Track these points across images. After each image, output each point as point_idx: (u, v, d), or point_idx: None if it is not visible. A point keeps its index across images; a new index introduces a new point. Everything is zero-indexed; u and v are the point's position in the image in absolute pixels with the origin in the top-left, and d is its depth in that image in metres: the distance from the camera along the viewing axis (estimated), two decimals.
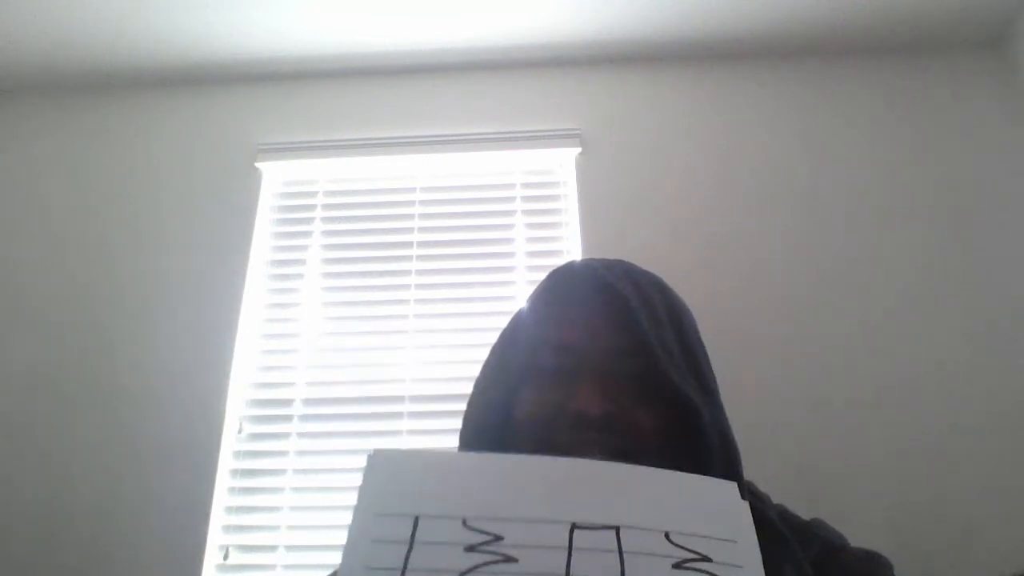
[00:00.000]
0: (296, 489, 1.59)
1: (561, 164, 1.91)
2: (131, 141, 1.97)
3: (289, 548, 1.53)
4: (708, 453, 0.50)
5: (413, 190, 1.90)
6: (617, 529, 0.37)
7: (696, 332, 0.58)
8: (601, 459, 0.46)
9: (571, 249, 1.79)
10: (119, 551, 1.50)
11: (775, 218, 1.78)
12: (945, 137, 1.85)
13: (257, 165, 1.90)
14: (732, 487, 0.41)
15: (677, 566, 0.36)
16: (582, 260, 0.61)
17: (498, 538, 0.36)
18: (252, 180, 1.89)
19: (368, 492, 0.38)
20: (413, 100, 1.98)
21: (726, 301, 1.67)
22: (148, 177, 1.91)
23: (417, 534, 0.36)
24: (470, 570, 0.35)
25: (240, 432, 1.65)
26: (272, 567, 1.52)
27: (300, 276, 1.82)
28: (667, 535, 0.37)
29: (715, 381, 0.56)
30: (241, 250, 1.79)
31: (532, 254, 1.81)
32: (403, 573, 0.35)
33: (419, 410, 1.64)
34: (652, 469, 0.40)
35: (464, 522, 0.37)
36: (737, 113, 1.92)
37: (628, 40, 1.94)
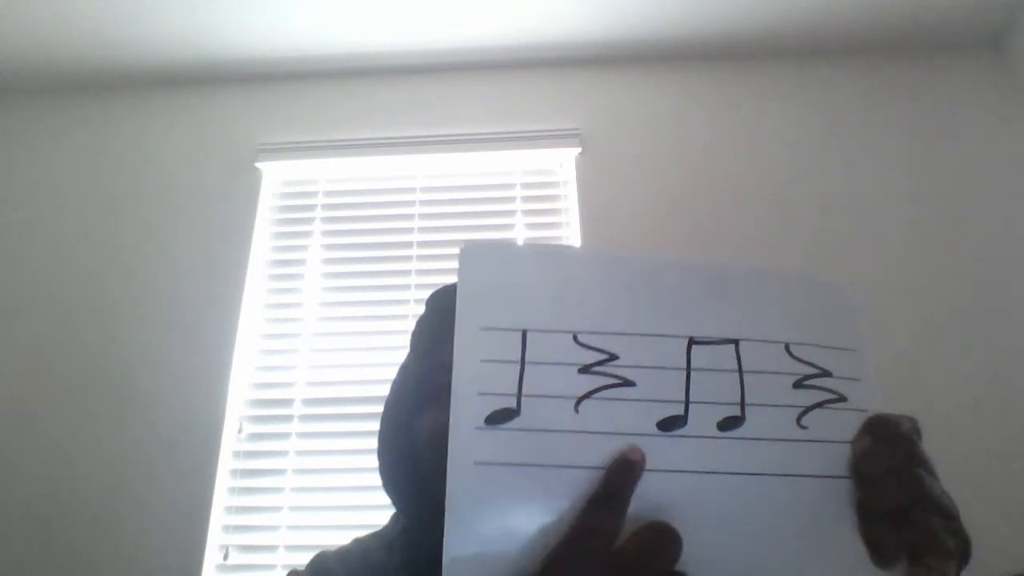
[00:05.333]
0: (296, 489, 1.58)
1: (561, 164, 1.91)
2: (131, 141, 1.97)
3: (289, 548, 1.52)
4: None
5: (413, 190, 1.90)
6: (736, 343, 0.35)
7: None
8: None
9: None
10: (119, 551, 1.50)
11: (775, 218, 1.78)
12: (944, 137, 1.85)
13: (257, 165, 1.90)
14: (845, 288, 0.39)
15: (797, 384, 0.35)
16: (452, 284, 0.62)
17: (612, 357, 0.34)
18: (252, 180, 1.89)
19: (469, 297, 0.35)
20: (413, 100, 1.98)
21: None
22: (148, 177, 1.91)
23: (527, 352, 0.34)
24: (587, 395, 0.33)
25: (240, 432, 1.65)
26: (272, 567, 1.52)
27: (300, 276, 1.82)
28: (787, 347, 0.36)
29: None
30: (241, 250, 1.79)
31: None
32: (518, 401, 0.33)
33: None
34: (768, 269, 0.38)
35: (575, 338, 0.34)
36: (737, 113, 1.92)
37: (628, 40, 1.94)
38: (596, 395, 0.33)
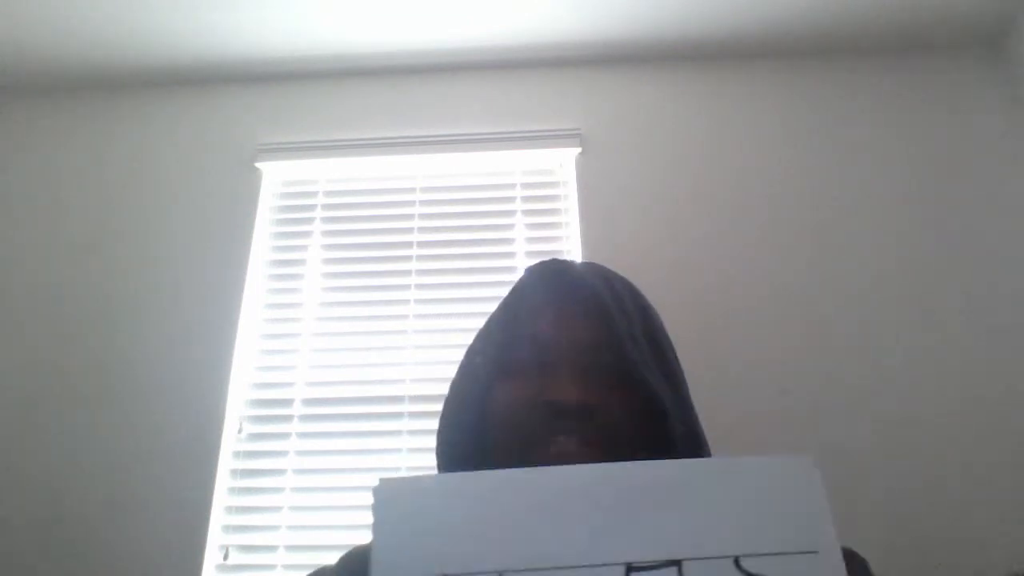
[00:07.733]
0: (296, 489, 1.58)
1: (561, 164, 1.90)
2: (131, 141, 1.97)
3: (289, 548, 1.52)
4: (672, 442, 0.52)
5: (413, 190, 1.90)
6: (679, 564, 0.32)
7: (663, 329, 0.61)
8: (577, 448, 0.44)
9: (571, 249, 1.79)
10: (119, 551, 1.50)
11: (775, 218, 1.77)
12: (944, 137, 1.85)
13: (257, 165, 1.90)
14: (805, 464, 0.35)
15: None
16: (553, 259, 0.63)
17: None
18: (252, 180, 1.89)
19: (384, 539, 0.33)
20: (413, 100, 1.98)
21: (725, 299, 1.67)
22: (148, 177, 1.91)
23: None
24: None
25: (240, 432, 1.65)
26: (272, 567, 1.52)
27: (300, 276, 1.82)
28: (736, 561, 0.32)
29: (682, 374, 0.58)
30: (241, 250, 1.79)
31: (532, 254, 1.81)
32: None
33: (419, 410, 1.64)
34: (708, 461, 0.36)
35: None
36: (737, 113, 1.92)
37: (628, 40, 1.94)
38: None
